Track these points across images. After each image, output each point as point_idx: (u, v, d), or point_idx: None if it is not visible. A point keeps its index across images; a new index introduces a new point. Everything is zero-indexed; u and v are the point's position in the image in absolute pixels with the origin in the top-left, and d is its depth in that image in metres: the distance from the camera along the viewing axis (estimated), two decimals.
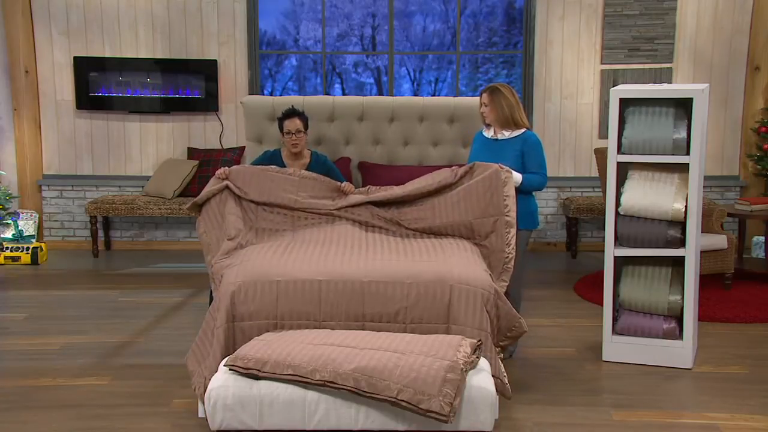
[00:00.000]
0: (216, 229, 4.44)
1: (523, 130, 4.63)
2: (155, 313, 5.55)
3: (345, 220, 4.69)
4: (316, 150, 5.24)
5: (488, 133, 4.72)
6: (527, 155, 4.58)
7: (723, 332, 5.16)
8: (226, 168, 4.72)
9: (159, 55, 7.36)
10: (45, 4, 7.28)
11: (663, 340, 4.56)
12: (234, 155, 7.25)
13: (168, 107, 7.39)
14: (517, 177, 4.52)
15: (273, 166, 4.82)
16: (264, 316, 3.88)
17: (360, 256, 4.15)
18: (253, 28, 7.38)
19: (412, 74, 9.50)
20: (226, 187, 4.63)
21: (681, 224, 4.48)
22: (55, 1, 7.28)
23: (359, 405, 3.41)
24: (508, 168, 4.47)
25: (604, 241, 4.70)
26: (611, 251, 4.58)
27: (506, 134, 4.65)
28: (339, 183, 4.83)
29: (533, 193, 4.71)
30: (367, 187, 4.94)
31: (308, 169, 4.99)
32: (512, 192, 4.42)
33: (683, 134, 4.40)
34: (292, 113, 5.01)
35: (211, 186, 4.63)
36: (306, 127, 5.03)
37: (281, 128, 4.99)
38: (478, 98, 5.53)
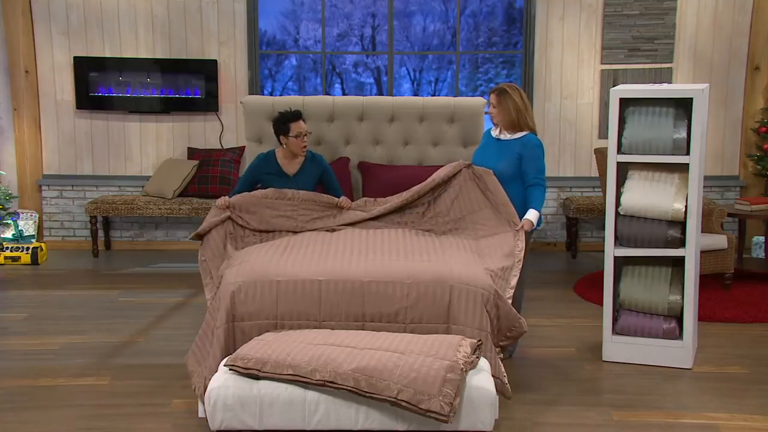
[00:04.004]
0: (217, 258, 4.44)
1: (525, 133, 4.61)
2: (155, 313, 5.55)
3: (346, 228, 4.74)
4: (312, 150, 5.24)
5: (494, 132, 4.73)
6: (525, 159, 4.55)
7: (723, 332, 5.16)
8: (226, 198, 4.75)
9: (159, 55, 7.36)
10: (45, 4, 7.28)
11: (663, 340, 4.56)
12: (234, 155, 7.25)
13: (168, 107, 7.39)
14: (532, 217, 4.47)
15: (271, 190, 4.83)
16: (264, 316, 3.88)
17: (360, 256, 4.15)
18: (253, 28, 7.38)
19: (412, 74, 9.50)
20: (228, 217, 4.65)
21: (681, 224, 4.48)
22: (55, 1, 7.28)
23: (359, 405, 3.41)
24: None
25: (604, 241, 4.70)
26: (611, 251, 4.58)
27: (508, 135, 4.65)
28: (336, 199, 4.88)
29: None
30: (364, 200, 4.96)
31: (303, 167, 5.00)
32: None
33: (683, 134, 4.40)
34: (299, 115, 4.96)
35: (213, 217, 4.63)
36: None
37: (285, 131, 4.94)
38: (478, 98, 5.56)
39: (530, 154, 4.55)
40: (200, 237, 4.55)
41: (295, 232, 4.72)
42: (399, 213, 4.83)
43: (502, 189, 4.55)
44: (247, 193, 4.84)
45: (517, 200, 4.55)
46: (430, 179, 4.78)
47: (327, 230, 4.75)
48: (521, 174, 4.57)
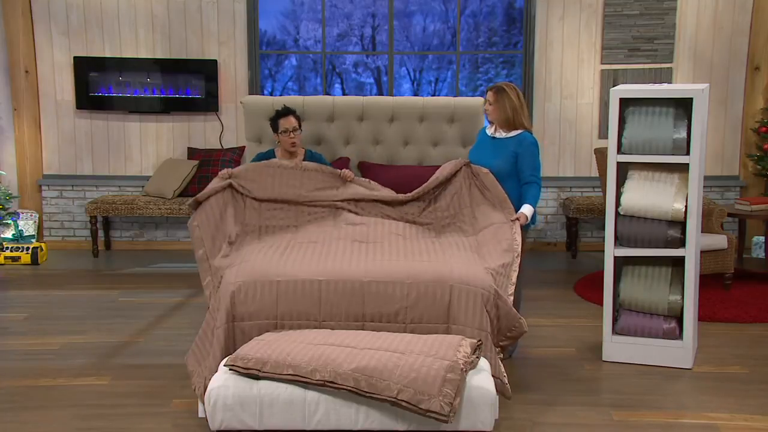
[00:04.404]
0: (210, 226, 4.41)
1: (520, 131, 4.63)
2: (155, 313, 5.55)
3: (347, 211, 4.73)
4: (311, 149, 5.25)
5: (490, 131, 4.75)
6: (521, 157, 4.57)
7: (723, 332, 5.16)
8: (229, 168, 4.74)
9: (159, 55, 7.36)
10: (45, 4, 7.28)
11: (663, 340, 4.56)
12: (234, 155, 7.25)
13: (168, 107, 7.39)
14: (527, 211, 4.51)
15: (275, 160, 4.84)
16: (264, 316, 3.88)
17: (360, 256, 4.15)
18: (253, 28, 7.38)
19: (412, 74, 9.50)
20: (230, 185, 4.64)
21: (681, 224, 4.48)
22: (55, 1, 7.28)
23: (359, 405, 3.41)
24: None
25: (604, 241, 4.70)
26: (611, 251, 4.58)
27: (503, 133, 4.66)
28: (339, 171, 4.89)
29: None
30: (368, 180, 4.98)
31: None
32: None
33: (683, 134, 4.40)
34: (287, 111, 5.03)
35: (214, 184, 4.62)
36: (300, 125, 5.06)
37: (276, 128, 5.02)
38: (478, 98, 5.56)
39: (525, 152, 4.57)
40: (199, 204, 4.54)
41: (297, 203, 4.71)
42: (399, 207, 4.83)
43: (500, 186, 4.57)
44: (250, 163, 4.85)
45: (513, 197, 4.58)
46: (433, 178, 4.78)
47: (330, 208, 4.74)
48: (517, 172, 4.59)
